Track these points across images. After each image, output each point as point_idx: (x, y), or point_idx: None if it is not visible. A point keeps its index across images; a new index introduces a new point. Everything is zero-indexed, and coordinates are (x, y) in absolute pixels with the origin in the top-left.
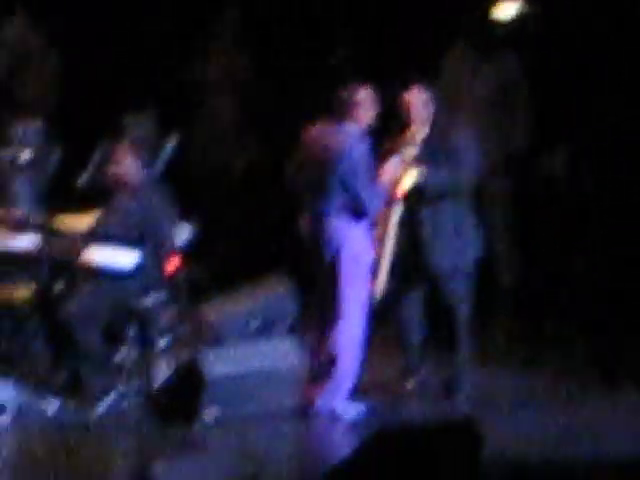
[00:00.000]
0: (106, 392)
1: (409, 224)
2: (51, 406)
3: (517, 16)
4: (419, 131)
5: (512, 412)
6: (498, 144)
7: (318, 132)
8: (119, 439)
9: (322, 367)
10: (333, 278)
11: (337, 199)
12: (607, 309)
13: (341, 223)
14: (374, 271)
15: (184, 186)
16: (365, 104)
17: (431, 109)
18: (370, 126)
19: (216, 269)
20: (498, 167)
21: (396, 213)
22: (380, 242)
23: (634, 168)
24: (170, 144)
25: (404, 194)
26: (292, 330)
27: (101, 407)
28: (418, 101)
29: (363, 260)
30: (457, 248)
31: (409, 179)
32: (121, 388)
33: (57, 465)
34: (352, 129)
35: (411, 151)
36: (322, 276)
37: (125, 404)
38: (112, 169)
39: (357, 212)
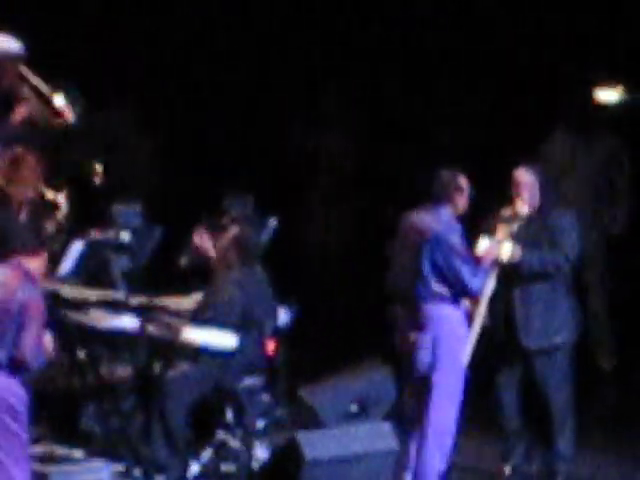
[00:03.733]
0: (203, 471)
1: (502, 301)
2: None
3: (619, 100)
4: (523, 209)
5: None
6: (599, 227)
7: (415, 216)
8: None
9: (417, 452)
10: (432, 367)
11: (433, 285)
12: None
13: (436, 309)
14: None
15: (283, 268)
16: (463, 189)
17: (537, 189)
18: (464, 211)
19: (315, 352)
20: (598, 250)
21: (489, 286)
22: (471, 315)
23: None
24: (271, 225)
25: (498, 266)
26: (389, 415)
27: None
28: (526, 179)
29: (461, 346)
30: (549, 329)
31: (506, 253)
32: (223, 468)
33: None
34: (447, 213)
35: (513, 228)
36: (417, 364)
37: None
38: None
39: (459, 293)
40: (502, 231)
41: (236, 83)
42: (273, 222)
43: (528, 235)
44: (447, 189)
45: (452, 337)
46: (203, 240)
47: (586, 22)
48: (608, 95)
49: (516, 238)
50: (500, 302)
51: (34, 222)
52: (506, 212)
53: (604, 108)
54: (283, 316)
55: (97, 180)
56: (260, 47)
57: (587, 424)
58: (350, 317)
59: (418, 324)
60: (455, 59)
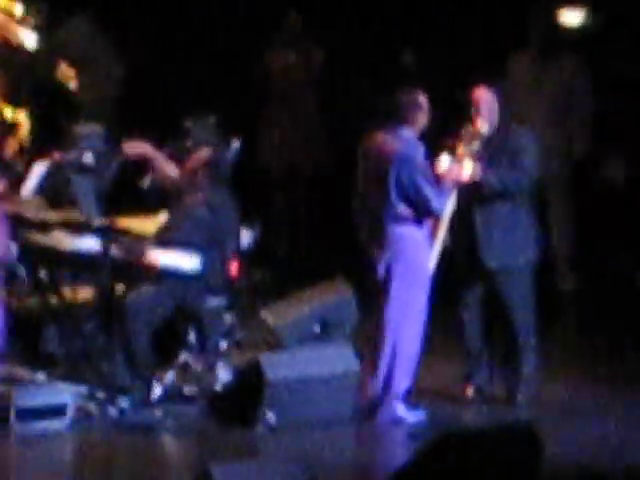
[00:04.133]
0: (166, 394)
1: (463, 221)
2: (111, 408)
3: (582, 22)
4: (483, 127)
5: (572, 419)
6: (561, 146)
7: (377, 138)
8: (179, 441)
9: (378, 373)
10: (389, 284)
11: (397, 205)
12: None
13: (400, 229)
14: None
15: (246, 189)
16: (422, 108)
17: (496, 108)
18: (424, 130)
19: (277, 273)
20: (561, 169)
21: (449, 205)
22: (436, 233)
23: None
24: (234, 147)
25: (459, 185)
26: (351, 335)
27: (159, 409)
28: (486, 98)
29: (422, 266)
30: (511, 248)
31: (467, 171)
32: (185, 390)
33: (117, 467)
34: (409, 133)
35: (474, 146)
36: (379, 282)
37: (186, 405)
38: (173, 172)
39: (423, 214)
40: (463, 150)
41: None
42: (236, 143)
43: (488, 154)
44: (407, 109)
45: (414, 257)
46: (134, 147)
47: None
48: (572, 17)
49: (476, 157)
50: (461, 222)
51: None
52: (467, 131)
53: (568, 29)
54: (246, 237)
55: (73, 85)
56: None
57: (549, 346)
58: (314, 238)
59: (381, 244)
60: None
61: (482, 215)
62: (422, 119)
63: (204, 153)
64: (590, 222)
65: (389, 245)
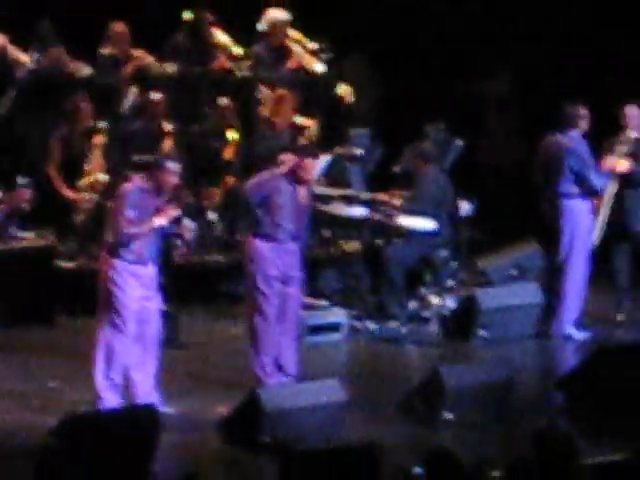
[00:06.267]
0: (410, 317)
1: (618, 201)
2: (372, 326)
3: None
4: (632, 133)
5: None
6: None
7: (552, 138)
8: (419, 350)
9: (556, 299)
10: (559, 237)
11: (569, 184)
12: None
13: (571, 202)
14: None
15: (468, 178)
16: (584, 117)
17: None
18: (586, 132)
19: (489, 235)
20: None
21: (612, 187)
22: (598, 209)
23: None
24: (458, 146)
25: (618, 173)
26: (538, 277)
27: (405, 327)
28: (634, 112)
29: (586, 225)
30: None
31: (621, 166)
32: (424, 314)
33: (375, 367)
34: (575, 134)
35: (624, 148)
36: (555, 238)
37: (424, 325)
38: (417, 162)
39: (587, 191)
40: (617, 151)
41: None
42: (459, 143)
43: (635, 154)
44: (572, 118)
45: (579, 221)
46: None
47: None
48: None
49: (627, 155)
50: (616, 202)
51: (292, 141)
52: (621, 136)
53: None
54: (467, 207)
55: (347, 100)
56: None
57: None
58: (515, 212)
59: (557, 212)
60: None
61: (629, 197)
62: (584, 125)
63: (419, 147)
64: None
65: (563, 212)
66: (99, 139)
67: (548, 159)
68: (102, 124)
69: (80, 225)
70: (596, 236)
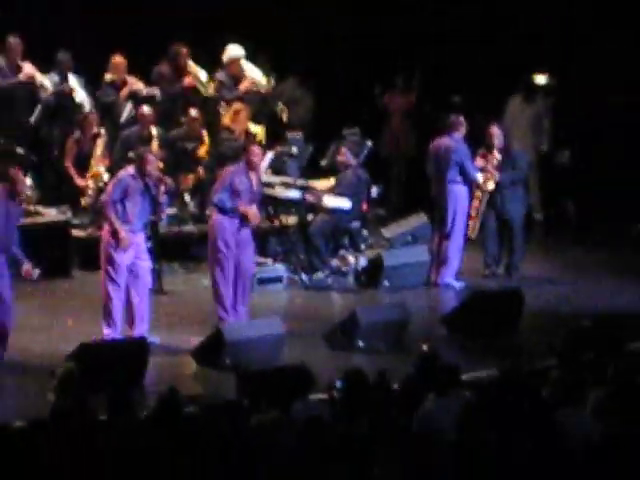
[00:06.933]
0: (333, 271)
1: (493, 199)
2: (304, 278)
3: (546, 83)
4: (497, 150)
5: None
6: (534, 149)
7: (441, 139)
8: (340, 295)
9: (440, 258)
10: (445, 212)
11: (454, 173)
12: None
13: (455, 187)
14: (470, 215)
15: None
16: (463, 124)
17: (501, 135)
18: (465, 135)
19: (392, 211)
20: (534, 163)
21: (486, 194)
22: (477, 201)
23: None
24: (368, 145)
25: (491, 187)
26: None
27: (330, 279)
28: (496, 132)
29: (465, 204)
30: (515, 208)
31: (492, 181)
32: (342, 269)
33: (307, 307)
34: (458, 137)
35: (490, 167)
36: (441, 213)
37: (344, 277)
38: (339, 157)
39: (466, 179)
40: (485, 170)
41: None
42: (369, 143)
43: (502, 163)
44: (454, 124)
45: (463, 199)
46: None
47: None
48: (540, 79)
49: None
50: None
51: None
52: (488, 157)
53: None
54: (375, 190)
55: (284, 117)
56: None
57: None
58: (410, 194)
59: (443, 194)
60: None
61: (502, 195)
62: (463, 130)
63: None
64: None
65: (449, 193)
66: (101, 142)
67: (438, 155)
68: (103, 131)
69: (87, 204)
70: (473, 229)
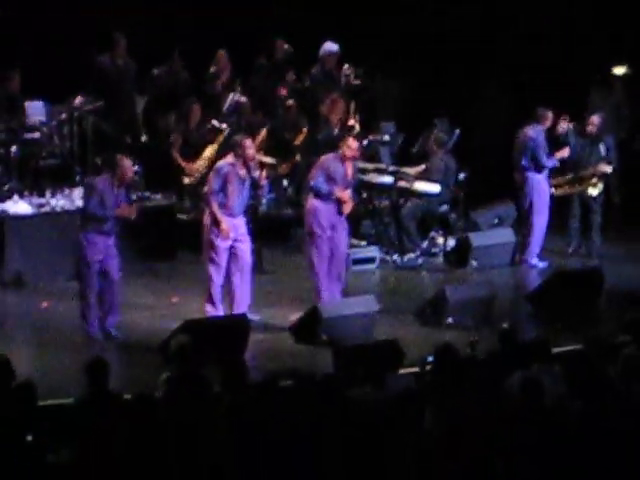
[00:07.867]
0: (423, 252)
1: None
2: (396, 259)
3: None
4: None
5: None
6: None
7: (523, 130)
8: (429, 274)
9: (524, 240)
10: (525, 197)
11: (528, 162)
12: None
13: (531, 173)
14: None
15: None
16: (548, 118)
17: (601, 124)
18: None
19: (480, 195)
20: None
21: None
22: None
23: None
24: (457, 133)
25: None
26: (513, 225)
27: (420, 259)
28: (596, 120)
29: (543, 189)
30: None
31: (597, 189)
32: (432, 249)
33: (399, 285)
34: (540, 129)
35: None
36: (522, 197)
37: (434, 258)
38: (428, 146)
39: (539, 167)
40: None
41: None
42: (457, 131)
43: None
44: (538, 116)
45: (539, 187)
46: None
47: None
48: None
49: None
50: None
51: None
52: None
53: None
54: (462, 176)
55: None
56: None
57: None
58: (496, 179)
59: (522, 181)
60: None
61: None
62: (547, 123)
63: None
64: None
65: (526, 179)
66: (219, 139)
67: (519, 143)
68: (223, 126)
69: (190, 183)
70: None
